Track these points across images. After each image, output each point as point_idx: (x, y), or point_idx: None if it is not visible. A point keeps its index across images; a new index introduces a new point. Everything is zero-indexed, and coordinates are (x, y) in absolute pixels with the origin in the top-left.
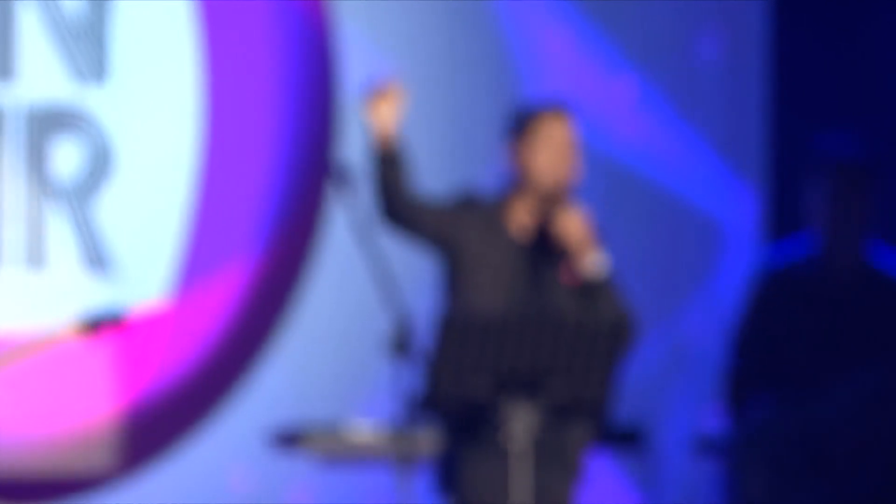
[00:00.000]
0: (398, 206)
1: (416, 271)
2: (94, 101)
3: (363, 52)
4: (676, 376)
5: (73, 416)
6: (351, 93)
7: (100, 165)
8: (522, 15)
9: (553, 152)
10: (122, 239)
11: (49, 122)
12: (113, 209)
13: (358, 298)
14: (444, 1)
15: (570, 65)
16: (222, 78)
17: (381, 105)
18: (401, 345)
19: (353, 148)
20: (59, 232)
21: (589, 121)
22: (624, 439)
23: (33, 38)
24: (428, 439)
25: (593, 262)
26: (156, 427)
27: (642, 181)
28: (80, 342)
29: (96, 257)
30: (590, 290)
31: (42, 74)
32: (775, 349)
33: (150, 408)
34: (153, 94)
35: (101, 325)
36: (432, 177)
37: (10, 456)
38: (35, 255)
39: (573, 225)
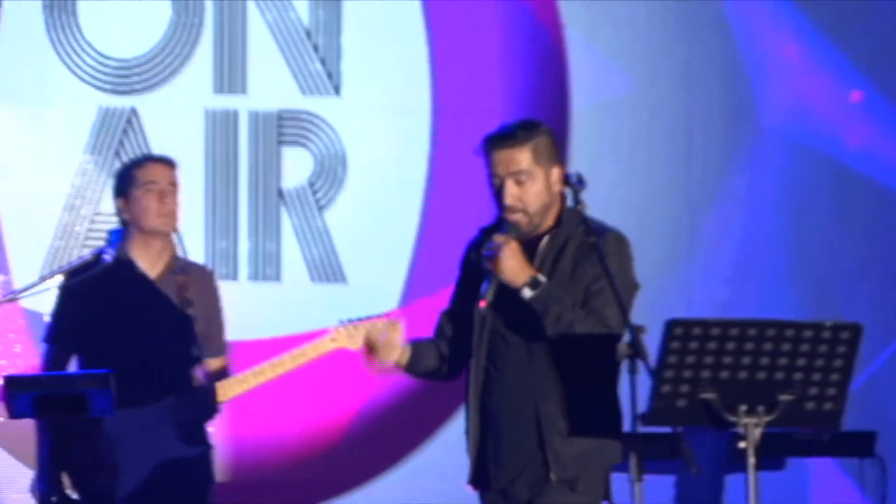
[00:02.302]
0: (450, 366)
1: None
2: (328, 110)
3: (591, 57)
4: None
5: (318, 421)
6: (579, 102)
7: (335, 176)
8: (754, 23)
9: None
10: (354, 250)
11: (283, 133)
12: (345, 219)
13: None
14: (676, 9)
15: (800, 71)
16: (453, 86)
17: (379, 345)
18: (634, 356)
19: (582, 159)
20: (292, 243)
21: (819, 126)
22: (854, 446)
23: (265, 49)
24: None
25: None
26: (392, 434)
27: (871, 186)
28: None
29: (329, 268)
30: None
31: (275, 86)
32: None
33: (383, 416)
34: (385, 104)
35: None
36: (665, 182)
37: (252, 460)
38: (269, 268)
39: None
